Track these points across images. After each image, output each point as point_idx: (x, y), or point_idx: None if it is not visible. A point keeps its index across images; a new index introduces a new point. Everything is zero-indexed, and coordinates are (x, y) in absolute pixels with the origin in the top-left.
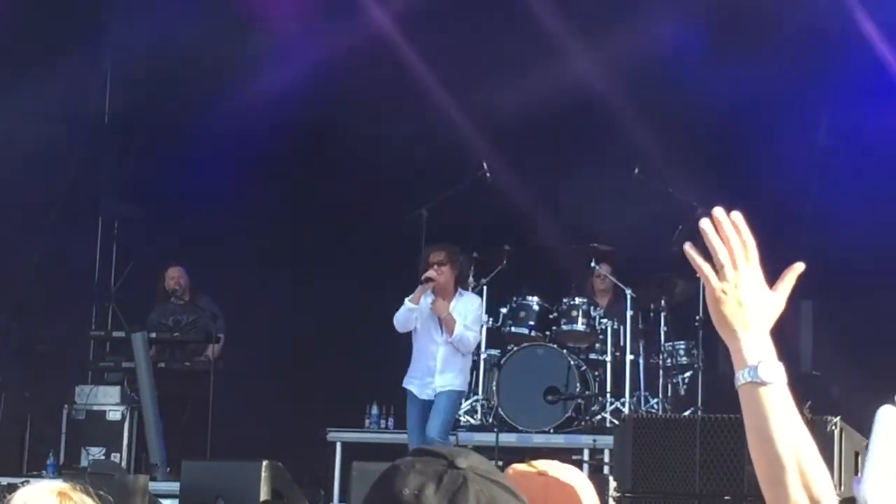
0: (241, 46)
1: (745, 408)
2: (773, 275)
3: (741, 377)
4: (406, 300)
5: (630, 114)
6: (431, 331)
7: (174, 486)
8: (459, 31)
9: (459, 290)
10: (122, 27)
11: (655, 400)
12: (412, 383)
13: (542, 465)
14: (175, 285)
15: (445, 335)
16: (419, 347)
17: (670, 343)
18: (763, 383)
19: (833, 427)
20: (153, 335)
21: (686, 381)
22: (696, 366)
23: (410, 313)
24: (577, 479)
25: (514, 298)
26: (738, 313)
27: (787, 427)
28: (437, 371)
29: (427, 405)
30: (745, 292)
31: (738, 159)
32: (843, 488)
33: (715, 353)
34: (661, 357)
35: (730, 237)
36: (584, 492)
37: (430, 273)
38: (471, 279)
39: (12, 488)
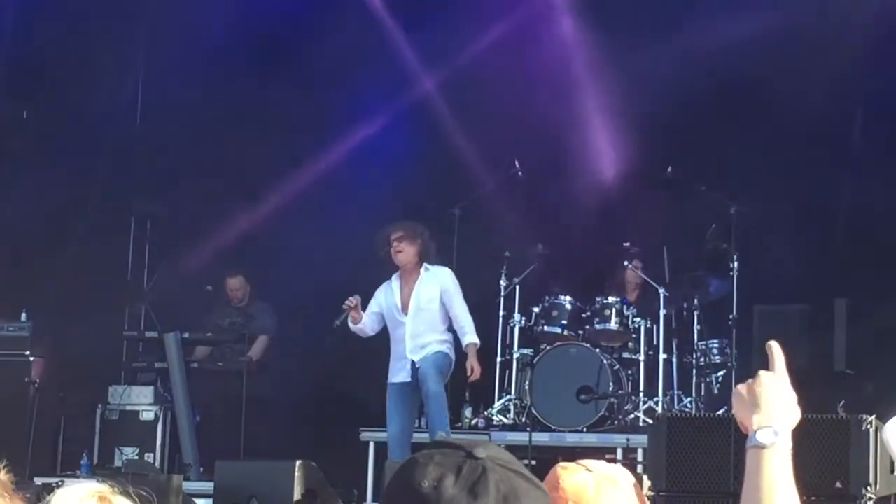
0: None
1: (746, 469)
2: (804, 274)
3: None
4: (350, 325)
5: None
6: (395, 316)
7: (208, 486)
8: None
9: (424, 265)
10: (155, 26)
11: (689, 399)
12: (390, 376)
13: (590, 464)
14: (234, 293)
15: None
16: (393, 338)
17: (703, 342)
18: (762, 446)
19: (868, 426)
20: (186, 335)
21: (719, 379)
22: (729, 364)
23: (360, 330)
24: (624, 478)
25: (547, 297)
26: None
27: (775, 489)
28: (407, 349)
29: (402, 387)
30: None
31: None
32: (878, 487)
33: (748, 352)
34: (694, 356)
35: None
36: (631, 490)
37: (349, 302)
38: (503, 279)
39: (47, 488)
